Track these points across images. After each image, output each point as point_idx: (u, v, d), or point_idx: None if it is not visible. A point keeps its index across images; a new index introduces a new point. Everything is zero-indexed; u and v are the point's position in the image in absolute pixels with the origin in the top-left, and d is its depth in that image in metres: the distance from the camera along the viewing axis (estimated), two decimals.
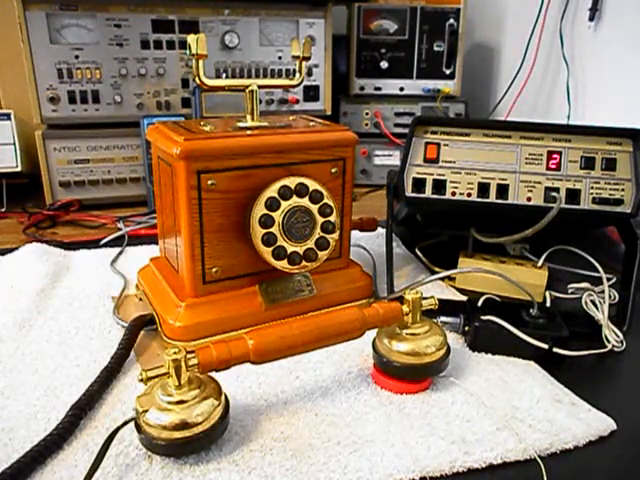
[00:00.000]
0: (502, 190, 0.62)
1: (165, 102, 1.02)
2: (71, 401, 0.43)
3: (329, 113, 1.13)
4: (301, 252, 0.55)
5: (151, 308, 0.57)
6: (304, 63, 0.58)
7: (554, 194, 0.60)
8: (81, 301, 0.63)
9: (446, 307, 0.57)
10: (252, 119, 0.56)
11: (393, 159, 1.15)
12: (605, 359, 0.53)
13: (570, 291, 0.67)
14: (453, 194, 0.62)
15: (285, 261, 0.54)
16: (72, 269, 0.72)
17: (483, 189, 0.62)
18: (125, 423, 0.40)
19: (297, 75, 0.59)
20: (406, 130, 0.63)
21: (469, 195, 0.62)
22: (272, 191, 0.52)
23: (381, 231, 0.74)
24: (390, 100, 1.16)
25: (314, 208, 0.55)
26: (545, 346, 0.50)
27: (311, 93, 1.11)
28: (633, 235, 0.61)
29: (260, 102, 1.05)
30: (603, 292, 0.62)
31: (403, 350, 0.47)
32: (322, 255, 0.56)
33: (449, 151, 0.62)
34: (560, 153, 0.61)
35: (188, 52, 0.52)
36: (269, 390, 0.47)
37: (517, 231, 0.60)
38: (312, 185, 0.54)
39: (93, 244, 0.81)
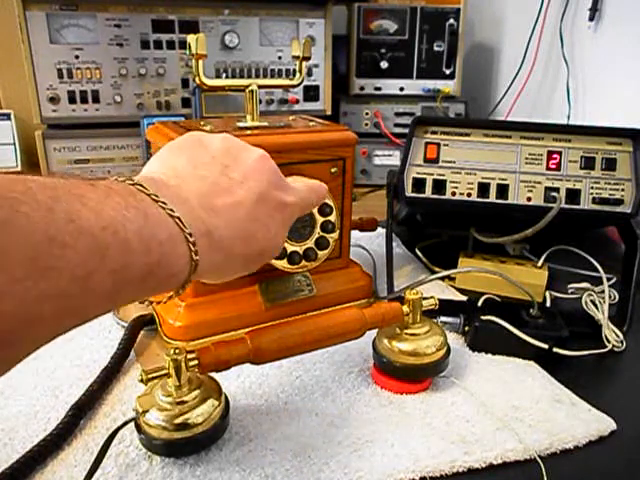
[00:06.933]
0: (502, 190, 0.61)
1: (165, 102, 1.02)
2: (71, 401, 0.43)
3: (329, 113, 1.13)
4: (301, 252, 0.55)
5: (151, 308, 0.57)
6: (304, 63, 0.58)
7: (554, 194, 0.60)
8: None
9: (446, 307, 0.56)
10: (252, 119, 0.56)
11: (393, 159, 1.15)
12: (605, 359, 0.53)
13: (570, 291, 0.67)
14: (453, 194, 0.62)
15: (285, 261, 0.54)
16: None
17: (483, 189, 0.62)
18: (125, 423, 0.40)
19: (297, 75, 0.59)
20: (406, 130, 0.63)
21: (469, 195, 0.62)
22: None
23: (381, 231, 0.74)
24: (390, 100, 1.16)
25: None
26: (545, 346, 0.50)
27: (311, 93, 1.11)
28: (633, 235, 0.61)
29: (260, 102, 1.05)
30: (603, 292, 0.62)
31: (403, 350, 0.47)
32: (322, 255, 0.56)
33: (449, 151, 0.62)
34: (560, 153, 0.61)
35: (188, 52, 0.52)
36: (269, 390, 0.47)
37: (517, 231, 0.60)
38: None
39: None
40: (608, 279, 0.64)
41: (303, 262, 0.55)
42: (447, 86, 1.17)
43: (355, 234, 0.67)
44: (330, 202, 0.55)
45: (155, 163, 0.34)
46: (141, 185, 0.29)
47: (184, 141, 0.36)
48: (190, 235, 0.29)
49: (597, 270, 0.65)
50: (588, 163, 0.61)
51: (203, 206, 0.31)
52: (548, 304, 0.63)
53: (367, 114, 1.16)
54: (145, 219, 0.27)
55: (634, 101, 0.94)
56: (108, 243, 0.24)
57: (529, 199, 0.61)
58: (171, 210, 0.29)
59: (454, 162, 0.62)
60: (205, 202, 0.32)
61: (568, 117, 1.08)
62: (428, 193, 0.62)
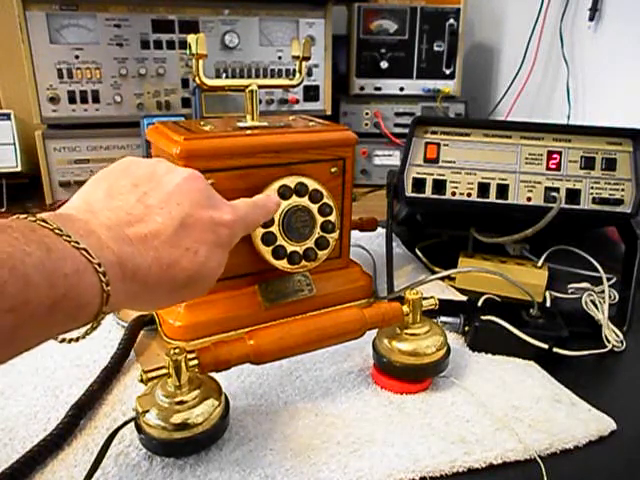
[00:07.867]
0: (502, 190, 0.62)
1: (165, 102, 1.02)
2: (71, 401, 0.43)
3: (329, 113, 1.13)
4: (301, 251, 0.55)
5: None
6: (304, 63, 0.58)
7: (554, 194, 0.60)
8: None
9: (446, 307, 0.56)
10: (252, 119, 0.56)
11: (393, 159, 1.15)
12: (605, 359, 0.53)
13: (570, 291, 0.67)
14: (453, 194, 0.62)
15: (285, 261, 0.54)
16: None
17: (483, 189, 0.62)
18: (125, 423, 0.40)
19: (297, 75, 0.59)
20: (406, 130, 0.63)
21: (469, 195, 0.62)
22: (272, 190, 0.52)
23: (381, 231, 0.74)
24: (390, 100, 1.16)
25: (314, 207, 0.55)
26: (545, 346, 0.50)
27: (311, 93, 1.11)
28: (633, 235, 0.61)
29: (260, 102, 1.05)
30: (603, 292, 0.62)
31: (403, 350, 0.47)
32: (322, 255, 0.56)
33: (449, 151, 0.62)
34: (560, 153, 0.61)
35: (188, 52, 0.52)
36: (269, 390, 0.47)
37: (517, 231, 0.60)
38: (312, 185, 0.54)
39: None
40: (608, 279, 0.64)
41: (303, 262, 0.55)
42: (447, 86, 1.17)
43: (355, 234, 0.67)
44: (330, 202, 0.55)
45: (75, 197, 0.34)
46: (43, 221, 0.28)
47: (112, 169, 0.36)
48: (99, 265, 0.29)
49: (597, 270, 0.65)
50: (588, 163, 0.61)
51: (114, 237, 0.31)
52: (548, 304, 0.63)
53: (367, 114, 1.16)
54: (47, 252, 0.27)
55: (634, 101, 0.94)
56: (4, 280, 0.24)
57: (529, 199, 0.61)
58: (76, 242, 0.28)
59: (454, 162, 0.62)
60: (116, 233, 0.31)
61: (568, 117, 1.08)
62: (428, 193, 0.62)
